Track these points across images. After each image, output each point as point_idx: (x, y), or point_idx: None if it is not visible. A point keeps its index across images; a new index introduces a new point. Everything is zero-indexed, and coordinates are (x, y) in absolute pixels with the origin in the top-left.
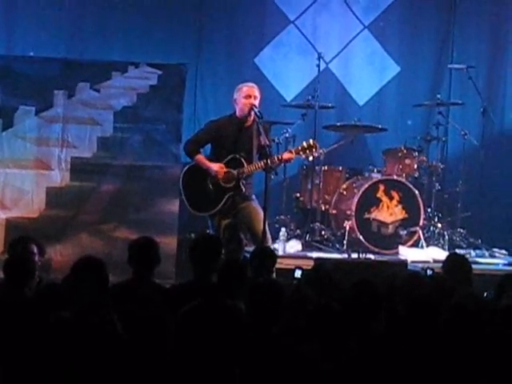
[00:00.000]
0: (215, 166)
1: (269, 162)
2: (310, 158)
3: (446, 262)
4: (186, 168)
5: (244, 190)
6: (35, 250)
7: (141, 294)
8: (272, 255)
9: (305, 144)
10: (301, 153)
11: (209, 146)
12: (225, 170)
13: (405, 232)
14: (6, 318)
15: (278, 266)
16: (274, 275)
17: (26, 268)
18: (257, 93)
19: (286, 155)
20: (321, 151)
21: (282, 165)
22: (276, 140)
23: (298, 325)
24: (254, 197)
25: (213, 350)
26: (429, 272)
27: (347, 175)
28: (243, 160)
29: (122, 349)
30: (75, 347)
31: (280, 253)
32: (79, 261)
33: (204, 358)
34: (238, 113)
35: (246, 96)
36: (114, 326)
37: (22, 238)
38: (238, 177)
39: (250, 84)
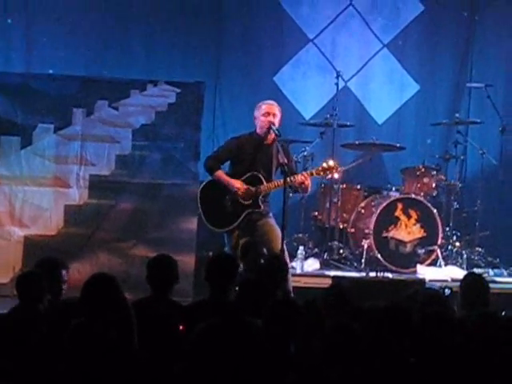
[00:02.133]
0: (236, 183)
1: (287, 181)
2: (329, 176)
3: (463, 282)
4: (203, 184)
5: (262, 207)
6: (65, 276)
7: (159, 312)
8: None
9: (325, 165)
10: (321, 173)
11: (228, 162)
12: (245, 187)
13: (423, 251)
14: (20, 333)
15: (295, 284)
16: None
17: (40, 284)
18: (276, 111)
19: (300, 179)
20: (339, 172)
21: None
22: (294, 158)
23: (316, 344)
24: (271, 214)
25: (229, 368)
26: (447, 291)
27: (365, 194)
28: (262, 177)
29: (136, 365)
30: (88, 362)
31: (298, 271)
32: (90, 278)
33: (220, 376)
34: (258, 130)
35: (265, 114)
36: (131, 342)
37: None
38: (257, 194)
39: (270, 102)
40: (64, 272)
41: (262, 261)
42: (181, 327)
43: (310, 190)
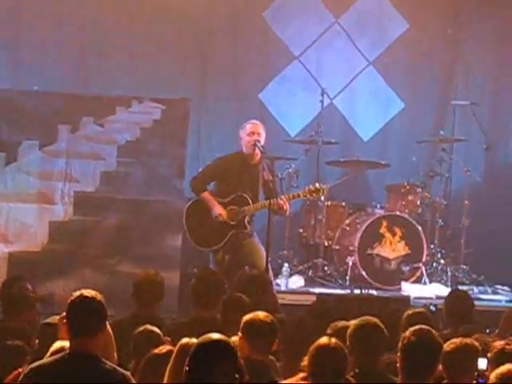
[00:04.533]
0: (218, 209)
1: (272, 203)
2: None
3: (448, 299)
4: (190, 203)
5: (248, 228)
6: (29, 287)
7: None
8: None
9: (311, 187)
10: (308, 195)
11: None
12: (227, 213)
13: (407, 268)
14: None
15: (280, 301)
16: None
17: (23, 303)
18: (261, 130)
19: (279, 203)
20: (326, 192)
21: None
22: (279, 175)
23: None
24: (255, 234)
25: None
26: (432, 308)
27: (350, 211)
28: (248, 198)
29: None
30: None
31: (282, 288)
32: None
33: None
34: (244, 150)
35: (250, 133)
36: (110, 359)
37: (16, 278)
38: (244, 215)
39: (254, 121)
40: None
41: (245, 279)
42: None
43: (288, 213)
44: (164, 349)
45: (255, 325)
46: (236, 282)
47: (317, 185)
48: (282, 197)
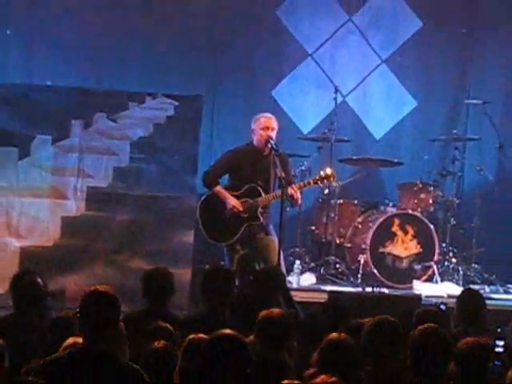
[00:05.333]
0: (232, 201)
1: (284, 193)
2: (326, 191)
3: (460, 298)
4: (203, 198)
5: (262, 219)
6: (40, 281)
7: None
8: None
9: (322, 173)
10: (318, 182)
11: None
12: (240, 206)
13: (419, 266)
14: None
15: None
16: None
17: (33, 296)
18: (274, 124)
19: (290, 192)
20: (336, 184)
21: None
22: (292, 172)
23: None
24: (271, 227)
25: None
26: (442, 307)
27: (362, 209)
28: (261, 189)
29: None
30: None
31: (294, 285)
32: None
33: None
34: (255, 142)
35: (264, 128)
36: (122, 356)
37: (26, 272)
38: (255, 206)
39: (268, 115)
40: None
41: (255, 276)
42: None
43: (300, 202)
44: (160, 344)
45: (270, 322)
46: (248, 278)
47: (327, 170)
48: (293, 185)
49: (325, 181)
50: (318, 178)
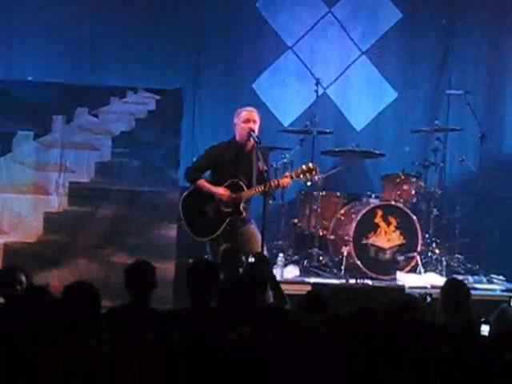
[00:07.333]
0: (219, 190)
1: (267, 186)
2: (309, 183)
3: (444, 288)
4: (185, 194)
5: (244, 214)
6: (23, 279)
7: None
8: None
9: (304, 167)
10: (301, 176)
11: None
12: (228, 193)
13: (402, 258)
14: None
15: None
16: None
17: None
18: (256, 117)
19: (283, 181)
20: (319, 176)
21: (281, 190)
22: (274, 165)
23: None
24: (252, 220)
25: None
26: (428, 299)
27: (345, 201)
28: (243, 184)
29: (106, 369)
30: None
31: (278, 278)
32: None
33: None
34: (237, 137)
35: (245, 120)
36: (100, 347)
37: (10, 269)
38: (238, 201)
39: (250, 108)
40: (21, 275)
41: (241, 269)
42: None
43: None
44: None
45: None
46: (232, 271)
47: (310, 164)
48: (275, 180)
49: (307, 174)
50: (299, 171)
